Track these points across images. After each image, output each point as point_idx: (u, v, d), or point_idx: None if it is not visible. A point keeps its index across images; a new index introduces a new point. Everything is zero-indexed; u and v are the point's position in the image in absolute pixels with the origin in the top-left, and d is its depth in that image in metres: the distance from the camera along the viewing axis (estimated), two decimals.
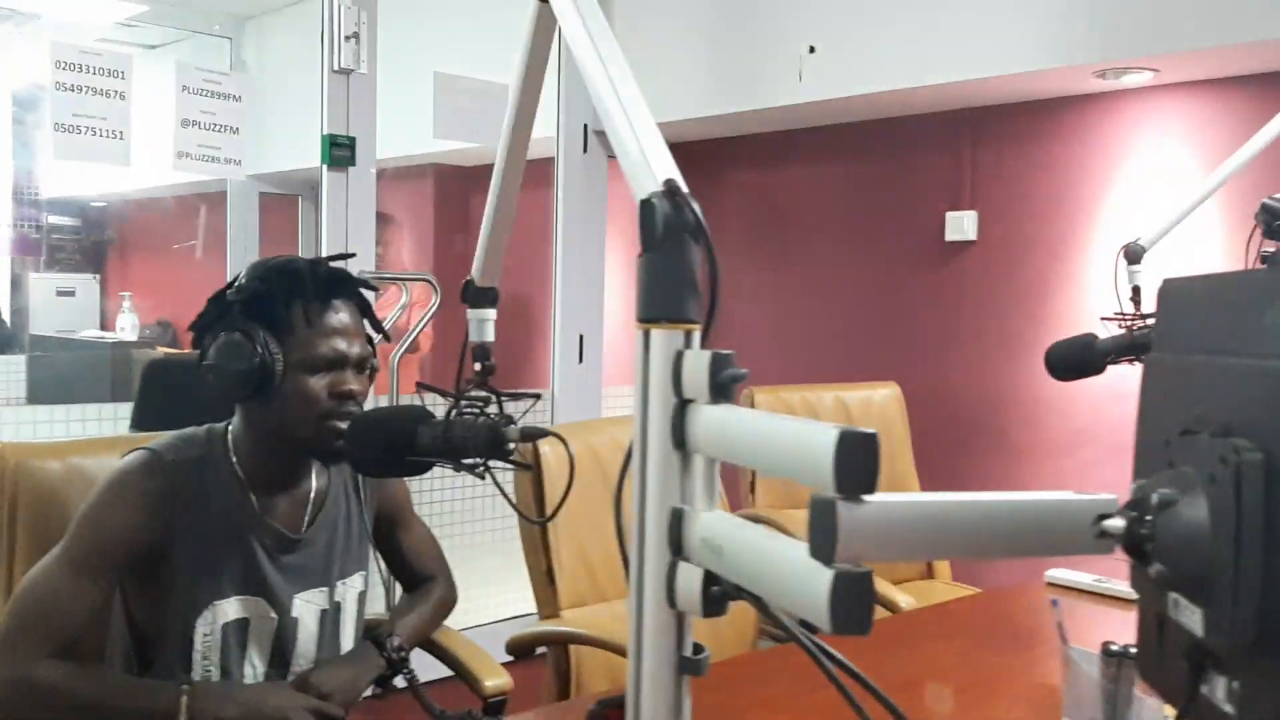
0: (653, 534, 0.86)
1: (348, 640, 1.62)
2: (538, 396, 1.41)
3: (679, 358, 0.85)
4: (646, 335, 0.87)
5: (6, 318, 7.17)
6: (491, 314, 1.40)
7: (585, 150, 4.04)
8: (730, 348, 0.83)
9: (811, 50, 3.52)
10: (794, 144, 4.21)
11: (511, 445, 1.33)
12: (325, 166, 3.33)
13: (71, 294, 7.48)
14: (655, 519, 0.86)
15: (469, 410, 1.35)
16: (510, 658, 1.98)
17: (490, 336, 1.40)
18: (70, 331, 6.72)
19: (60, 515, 1.49)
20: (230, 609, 1.49)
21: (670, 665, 0.86)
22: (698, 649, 0.87)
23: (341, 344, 1.48)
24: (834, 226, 4.14)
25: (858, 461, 0.65)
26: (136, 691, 1.44)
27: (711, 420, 0.83)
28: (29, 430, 3.03)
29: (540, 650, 2.04)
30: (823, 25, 3.52)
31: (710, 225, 0.86)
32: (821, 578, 0.66)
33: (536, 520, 1.52)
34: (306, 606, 1.55)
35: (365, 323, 1.55)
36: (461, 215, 5.49)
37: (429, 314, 3.49)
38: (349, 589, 1.62)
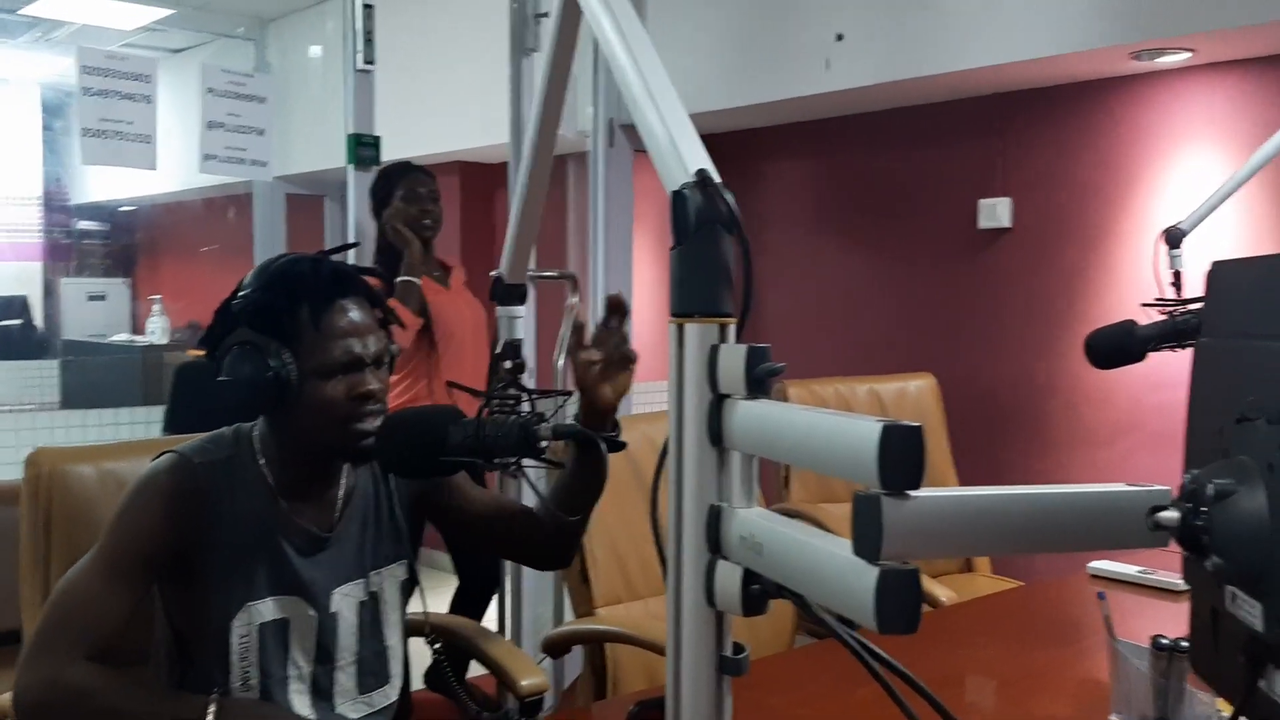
0: (690, 532, 0.84)
1: (391, 631, 1.59)
2: (569, 394, 1.40)
3: (714, 352, 0.84)
4: (680, 330, 0.85)
5: (39, 323, 7.26)
6: (522, 311, 1.39)
7: (612, 144, 4.02)
8: (762, 341, 0.81)
9: (839, 38, 3.48)
10: (823, 133, 4.17)
11: (544, 443, 1.32)
12: (351, 166, 3.32)
13: (103, 298, 7.56)
14: (693, 517, 0.84)
15: (500, 409, 1.34)
16: (545, 657, 1.96)
17: (521, 334, 1.39)
18: (102, 336, 6.79)
19: (94, 520, 1.50)
20: (266, 610, 1.47)
21: (710, 665, 0.84)
22: (738, 648, 0.86)
23: (355, 345, 1.45)
24: (865, 216, 4.10)
25: (902, 456, 0.63)
26: (163, 700, 1.43)
27: (749, 415, 0.81)
28: (62, 435, 3.05)
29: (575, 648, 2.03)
30: (850, 12, 3.48)
31: (749, 215, 0.84)
32: (867, 576, 0.64)
33: (569, 518, 1.50)
34: (345, 600, 1.54)
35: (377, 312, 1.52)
36: (487, 212, 5.48)
37: (573, 311, 3.41)
38: (386, 578, 1.59)
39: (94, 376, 5.49)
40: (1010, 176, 3.63)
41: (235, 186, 5.95)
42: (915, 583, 0.63)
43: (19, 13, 5.26)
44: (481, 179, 5.42)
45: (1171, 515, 0.71)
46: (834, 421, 0.68)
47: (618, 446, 1.45)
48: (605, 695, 1.97)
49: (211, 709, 1.37)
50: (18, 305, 7.03)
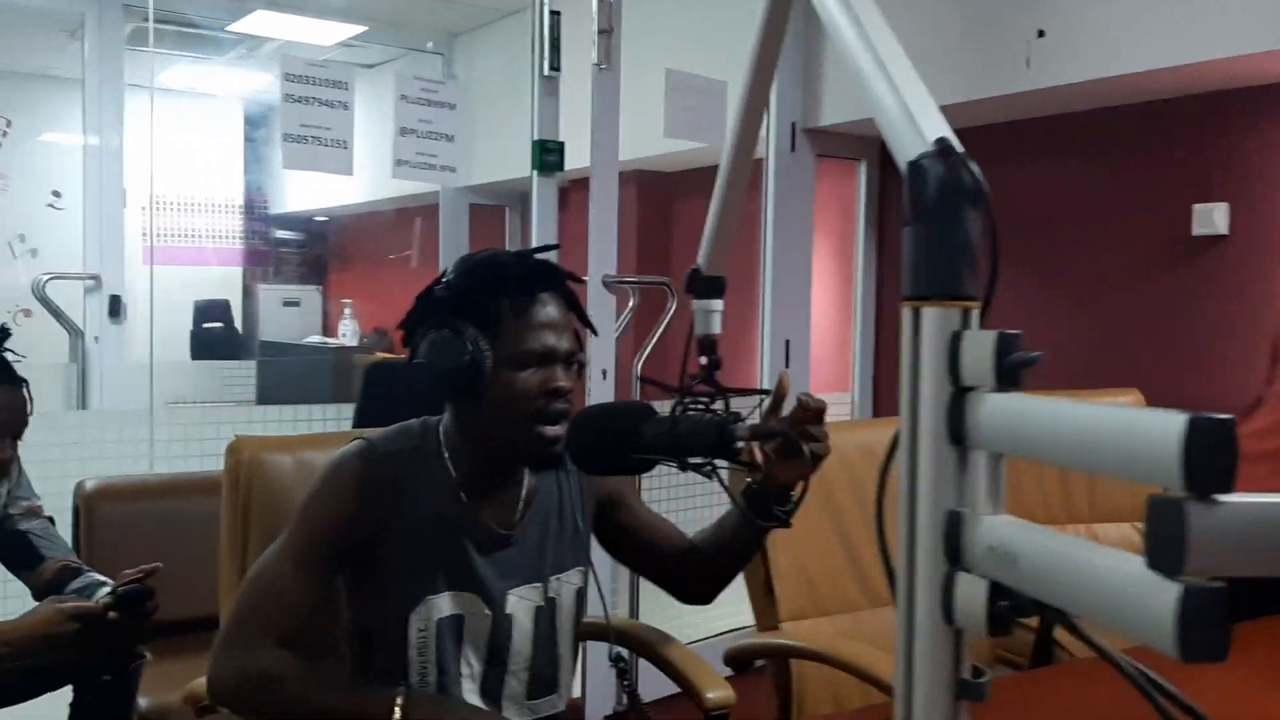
0: (925, 541, 0.75)
1: (564, 638, 1.56)
2: (766, 393, 1.32)
3: (956, 339, 0.75)
4: (916, 315, 0.77)
5: (239, 326, 7.67)
6: (719, 305, 1.33)
7: (793, 149, 3.93)
8: None
9: (1040, 34, 3.30)
10: (1022, 135, 3.97)
11: (740, 444, 1.25)
12: (536, 172, 3.34)
13: (296, 304, 7.94)
14: (928, 524, 0.75)
15: (694, 407, 1.28)
16: (729, 670, 1.89)
17: (717, 329, 1.33)
18: (295, 339, 7.12)
19: (290, 508, 1.51)
20: (444, 605, 1.46)
21: (947, 690, 0.76)
22: (977, 671, 0.77)
23: (550, 338, 1.43)
24: (1067, 222, 3.88)
25: (1213, 454, 0.54)
26: (351, 692, 1.43)
27: (999, 410, 0.72)
28: (259, 429, 3.17)
29: (759, 664, 1.95)
30: (1052, 7, 3.29)
31: None
32: (1165, 594, 0.54)
33: (769, 525, 1.42)
34: (520, 603, 1.51)
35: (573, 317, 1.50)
36: (664, 221, 5.46)
37: (667, 317, 3.45)
38: (564, 585, 1.56)
39: (288, 375, 5.75)
40: (1228, 180, 3.37)
41: (421, 197, 6.14)
42: (1224, 603, 0.53)
43: (226, 30, 5.55)
44: (659, 187, 5.41)
45: None
46: (1120, 415, 0.59)
47: (784, 524, 1.42)
48: (789, 714, 1.88)
49: (399, 702, 1.36)
50: (220, 308, 7.45)
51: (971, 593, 0.72)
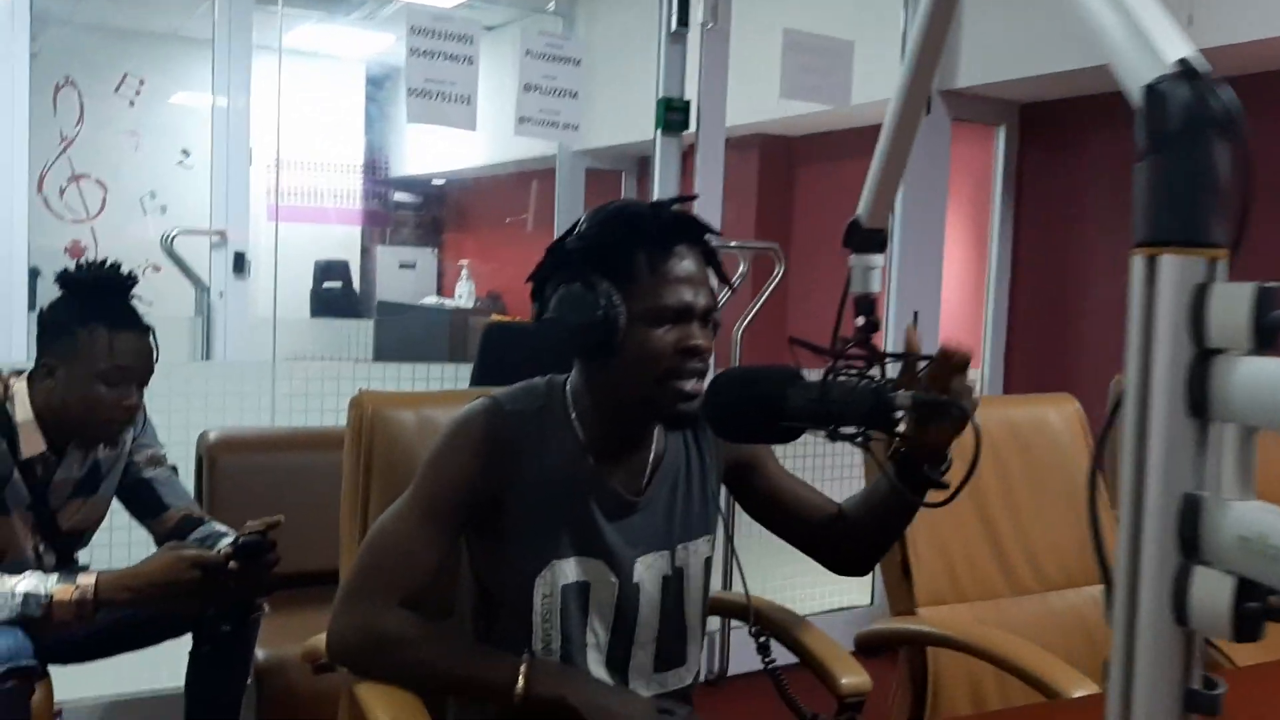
0: (1154, 529, 0.65)
1: (693, 609, 1.49)
2: (930, 359, 1.21)
3: (1200, 293, 0.64)
4: (1151, 264, 0.66)
5: (357, 285, 7.80)
6: (879, 261, 1.23)
7: (928, 111, 3.76)
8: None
9: None
10: None
11: (899, 413, 1.15)
12: (659, 131, 3.25)
13: (412, 266, 8.03)
14: (1159, 509, 0.65)
15: (847, 372, 1.18)
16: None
17: (876, 287, 1.22)
18: (411, 300, 7.21)
19: (412, 465, 1.46)
20: (569, 570, 1.39)
21: (1174, 700, 0.65)
22: (1209, 682, 0.66)
23: (688, 293, 1.34)
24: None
25: None
26: (475, 657, 1.38)
27: (1256, 376, 0.61)
28: (377, 385, 3.16)
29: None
30: None
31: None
32: None
33: (919, 499, 1.31)
34: (648, 572, 1.44)
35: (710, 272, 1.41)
36: (786, 187, 5.32)
37: (771, 284, 3.35)
38: (692, 554, 1.48)
39: (404, 335, 5.81)
40: None
41: (538, 161, 6.11)
42: None
43: None
44: (781, 152, 5.27)
45: None
46: None
47: (939, 486, 1.29)
48: (924, 704, 1.78)
49: (523, 670, 1.30)
50: (339, 269, 7.59)
51: (1212, 590, 0.62)
